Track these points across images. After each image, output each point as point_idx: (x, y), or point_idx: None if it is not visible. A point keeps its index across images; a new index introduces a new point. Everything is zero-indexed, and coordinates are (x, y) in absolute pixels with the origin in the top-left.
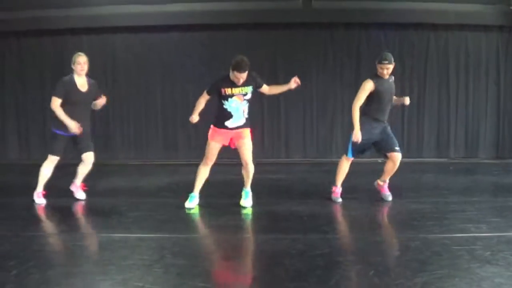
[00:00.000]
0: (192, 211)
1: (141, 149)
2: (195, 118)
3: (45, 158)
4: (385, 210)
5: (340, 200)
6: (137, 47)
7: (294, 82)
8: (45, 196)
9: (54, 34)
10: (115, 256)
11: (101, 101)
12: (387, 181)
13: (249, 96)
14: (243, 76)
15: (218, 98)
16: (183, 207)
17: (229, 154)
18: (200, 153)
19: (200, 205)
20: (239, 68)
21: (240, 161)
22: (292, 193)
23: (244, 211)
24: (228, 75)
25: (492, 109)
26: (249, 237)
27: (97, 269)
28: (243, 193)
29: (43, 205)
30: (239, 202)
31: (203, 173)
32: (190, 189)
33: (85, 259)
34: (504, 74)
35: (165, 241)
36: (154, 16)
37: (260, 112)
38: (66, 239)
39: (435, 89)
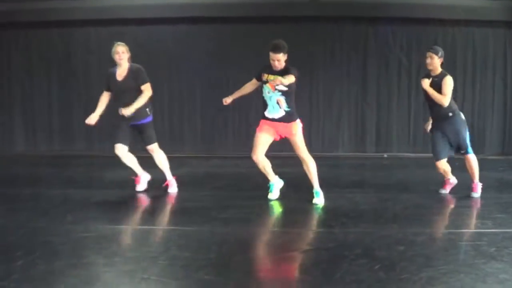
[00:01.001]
0: (198, 204)
1: None
2: (228, 100)
3: (53, 150)
4: (391, 205)
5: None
6: (144, 39)
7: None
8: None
9: (61, 26)
10: (121, 248)
11: (133, 104)
12: (475, 180)
13: (280, 87)
14: (278, 57)
15: (261, 83)
16: (188, 199)
17: (238, 147)
18: (206, 146)
19: (206, 198)
20: (273, 48)
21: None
22: (297, 187)
23: (250, 205)
24: (269, 64)
25: (499, 105)
26: (254, 231)
27: (102, 261)
28: (314, 192)
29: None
30: (245, 195)
31: (259, 166)
32: (196, 181)
33: (91, 251)
34: (511, 70)
35: (171, 233)
36: (162, 8)
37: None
38: (72, 230)
39: None
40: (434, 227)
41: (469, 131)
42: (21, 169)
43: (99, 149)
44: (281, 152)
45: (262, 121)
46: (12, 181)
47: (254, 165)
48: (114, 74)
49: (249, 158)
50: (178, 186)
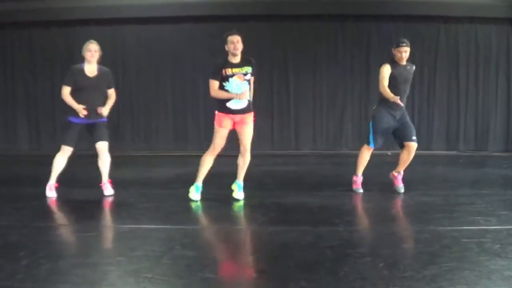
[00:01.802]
0: (200, 203)
1: (151, 140)
2: None
3: (57, 150)
4: (395, 202)
5: (361, 190)
6: (147, 38)
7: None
8: (57, 188)
9: (64, 25)
10: (124, 247)
11: (107, 105)
12: (402, 172)
13: (248, 76)
14: (237, 39)
15: (220, 82)
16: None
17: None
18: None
19: (209, 196)
20: (231, 33)
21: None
22: (301, 185)
23: (253, 203)
24: (226, 57)
25: (502, 102)
26: (258, 229)
27: (106, 260)
28: (235, 186)
29: (54, 198)
30: (248, 193)
31: (208, 163)
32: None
33: (94, 250)
34: None
35: (175, 233)
36: (165, 7)
37: (270, 103)
38: (76, 230)
39: (445, 82)
40: (437, 224)
41: (373, 126)
42: (24, 168)
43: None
44: (284, 151)
45: (221, 115)
46: (16, 181)
47: (258, 163)
48: (82, 70)
49: (252, 156)
50: (182, 185)
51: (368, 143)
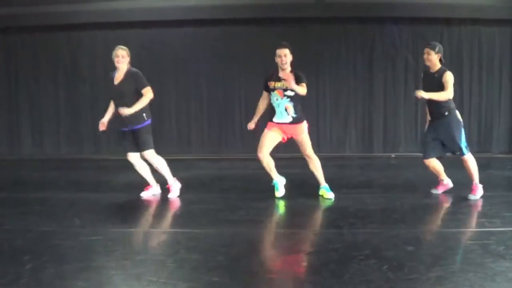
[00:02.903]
0: (206, 206)
1: (155, 143)
2: (251, 125)
3: (60, 153)
4: (399, 204)
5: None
6: (151, 41)
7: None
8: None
9: (68, 29)
10: (130, 250)
11: (134, 105)
12: (475, 181)
13: (289, 93)
14: (284, 52)
15: (269, 92)
16: (196, 201)
17: (246, 149)
18: (213, 148)
19: (213, 200)
20: (279, 46)
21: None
22: (306, 188)
23: (258, 206)
24: (274, 71)
25: (506, 104)
26: (263, 232)
27: (111, 264)
28: (323, 191)
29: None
30: (253, 197)
31: (264, 163)
32: (204, 184)
33: (99, 254)
34: None
35: (179, 236)
36: (168, 10)
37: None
38: (80, 233)
39: None
40: (442, 226)
41: (465, 131)
42: (28, 172)
43: (106, 152)
44: (288, 154)
45: (270, 123)
46: (20, 185)
47: (261, 167)
48: (112, 78)
49: (256, 159)
50: (186, 189)
51: (467, 151)
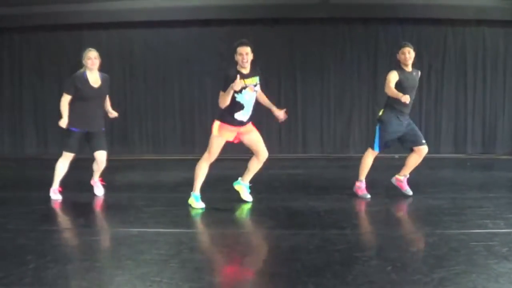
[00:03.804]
0: (207, 207)
1: (159, 144)
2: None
3: (61, 154)
4: (402, 205)
5: (368, 196)
6: (155, 42)
7: (282, 116)
8: (61, 192)
9: (72, 29)
10: (132, 251)
11: (108, 107)
12: (407, 175)
13: (258, 88)
14: (246, 51)
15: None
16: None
17: (248, 149)
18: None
19: (216, 200)
20: (240, 43)
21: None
22: (309, 189)
23: (261, 206)
24: (235, 68)
25: (510, 105)
26: (266, 232)
27: (114, 264)
28: (241, 187)
29: (59, 200)
30: (256, 197)
31: (204, 170)
32: (208, 184)
33: (102, 254)
34: None
35: (182, 236)
36: (172, 11)
37: (277, 107)
38: (84, 233)
39: (453, 85)
40: (445, 227)
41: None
42: (32, 172)
43: (109, 152)
44: (291, 154)
45: (225, 126)
46: (23, 185)
47: (265, 167)
48: (85, 79)
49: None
50: (190, 189)
51: (373, 147)
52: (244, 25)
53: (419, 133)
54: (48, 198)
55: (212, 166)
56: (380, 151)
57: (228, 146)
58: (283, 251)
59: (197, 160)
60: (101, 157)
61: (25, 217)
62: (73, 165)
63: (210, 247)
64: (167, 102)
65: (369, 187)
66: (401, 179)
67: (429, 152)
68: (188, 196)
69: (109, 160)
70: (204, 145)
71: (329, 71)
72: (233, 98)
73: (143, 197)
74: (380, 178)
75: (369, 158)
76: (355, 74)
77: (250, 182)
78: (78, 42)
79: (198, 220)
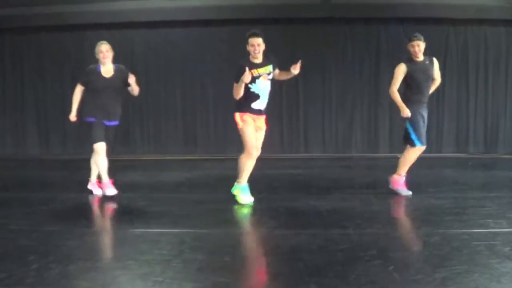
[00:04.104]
0: (209, 206)
1: (160, 144)
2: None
3: (66, 154)
4: (405, 205)
5: (410, 192)
6: (157, 42)
7: (294, 69)
8: (113, 184)
9: (73, 30)
10: (135, 251)
11: (133, 83)
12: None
13: (271, 75)
14: (258, 42)
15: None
16: (202, 201)
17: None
18: (219, 148)
19: (218, 200)
20: (252, 34)
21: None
22: (311, 188)
23: (263, 206)
24: (248, 59)
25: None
26: (268, 232)
27: (116, 264)
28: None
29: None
30: (258, 197)
31: (248, 163)
32: (209, 184)
33: (104, 254)
34: None
35: (185, 236)
36: (174, 11)
37: (279, 107)
38: (86, 234)
39: (454, 85)
40: (447, 227)
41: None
42: (34, 172)
43: (111, 153)
44: (293, 154)
45: (246, 115)
46: (26, 185)
47: (267, 167)
48: (98, 72)
49: (261, 159)
50: (192, 188)
51: (414, 144)
52: (245, 25)
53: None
54: (50, 198)
55: (214, 166)
56: (424, 144)
57: (225, 145)
58: (285, 251)
59: (198, 160)
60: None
61: (27, 218)
62: (75, 165)
63: (212, 247)
64: (169, 102)
65: (369, 187)
66: (399, 177)
67: (431, 152)
68: (190, 196)
69: (110, 160)
70: (205, 145)
71: (330, 71)
72: (248, 89)
73: (144, 197)
74: (383, 178)
75: (414, 155)
76: (356, 73)
77: (254, 183)
78: (80, 43)
79: (199, 220)
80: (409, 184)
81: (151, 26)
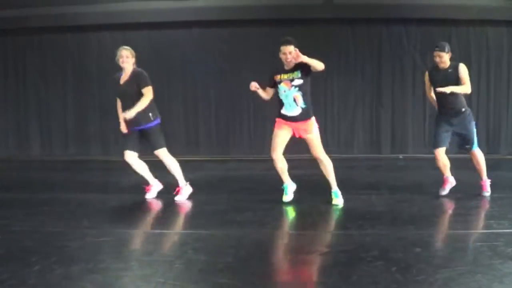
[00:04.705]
0: (214, 207)
1: None
2: (254, 86)
3: (68, 155)
4: (407, 206)
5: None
6: (159, 43)
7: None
8: (148, 191)
9: (76, 31)
10: (137, 252)
11: (134, 107)
12: (484, 178)
13: (297, 82)
14: (288, 50)
15: (274, 87)
16: (204, 202)
17: (253, 150)
18: (221, 149)
19: (221, 201)
20: (283, 42)
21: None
22: (314, 189)
23: (266, 207)
24: (279, 65)
25: None
26: (271, 234)
27: (119, 265)
28: (332, 195)
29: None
30: (260, 198)
31: (277, 164)
32: (212, 185)
33: (107, 255)
34: None
35: (187, 237)
36: (175, 12)
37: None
38: (88, 235)
39: None
40: (450, 228)
41: (476, 127)
42: (36, 173)
43: (114, 153)
44: (297, 154)
45: (279, 120)
46: (28, 186)
47: (269, 168)
48: (118, 79)
49: (264, 161)
50: (194, 189)
51: (477, 146)
52: (246, 26)
53: (467, 138)
54: (52, 199)
55: (217, 167)
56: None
57: (228, 146)
58: (288, 252)
59: (201, 161)
60: (160, 155)
61: (30, 219)
62: (77, 166)
63: (214, 248)
64: (171, 103)
65: (372, 188)
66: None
67: (433, 152)
68: (193, 197)
69: (113, 162)
70: (208, 146)
71: (332, 72)
72: (276, 93)
73: (146, 199)
74: (385, 179)
75: (480, 155)
76: (358, 74)
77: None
78: (82, 44)
79: (202, 221)
80: (412, 184)
81: (153, 27)
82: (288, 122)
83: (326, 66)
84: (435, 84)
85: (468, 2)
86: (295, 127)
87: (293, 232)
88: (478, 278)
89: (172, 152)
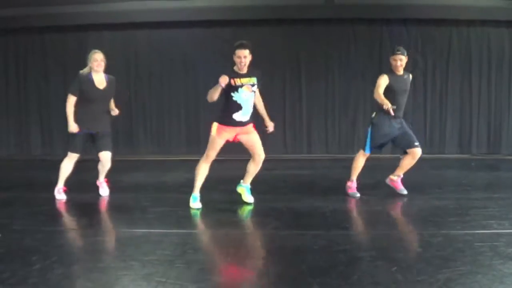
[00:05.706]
0: (212, 207)
1: (164, 144)
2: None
3: (65, 155)
4: (407, 206)
5: (358, 195)
6: (160, 43)
7: (271, 128)
8: (65, 192)
9: (77, 30)
10: (137, 251)
11: (115, 111)
12: (401, 175)
13: (255, 88)
14: (244, 54)
15: (226, 91)
16: (203, 202)
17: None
18: (222, 149)
19: (221, 201)
20: (239, 46)
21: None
22: (314, 189)
23: (266, 207)
24: (232, 67)
25: None
26: (271, 233)
27: (119, 265)
28: (242, 189)
29: (64, 200)
30: (259, 198)
31: (203, 170)
32: (211, 184)
33: (107, 255)
34: None
35: (187, 237)
36: (177, 12)
37: (282, 108)
38: (89, 234)
39: (457, 85)
40: (450, 228)
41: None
42: (37, 173)
43: (114, 153)
44: (296, 155)
45: (221, 127)
46: (29, 185)
47: (269, 168)
48: (92, 81)
49: (265, 160)
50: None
51: (364, 149)
52: (248, 26)
53: (412, 135)
54: (53, 199)
55: (215, 167)
56: (371, 153)
57: (228, 147)
58: (287, 251)
59: None
60: (105, 158)
61: (31, 218)
62: (77, 166)
63: (215, 248)
64: (172, 102)
65: (371, 188)
66: (395, 179)
67: (434, 153)
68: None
69: (114, 161)
70: None
71: (333, 72)
72: (231, 97)
73: (148, 198)
74: (385, 179)
75: (360, 160)
76: (359, 74)
77: (251, 183)
78: (83, 43)
79: (203, 221)
80: (412, 185)
81: (154, 26)
82: (233, 127)
83: (327, 66)
84: (395, 90)
85: (469, 2)
86: (239, 131)
87: (293, 231)
88: (479, 279)
89: (173, 151)
